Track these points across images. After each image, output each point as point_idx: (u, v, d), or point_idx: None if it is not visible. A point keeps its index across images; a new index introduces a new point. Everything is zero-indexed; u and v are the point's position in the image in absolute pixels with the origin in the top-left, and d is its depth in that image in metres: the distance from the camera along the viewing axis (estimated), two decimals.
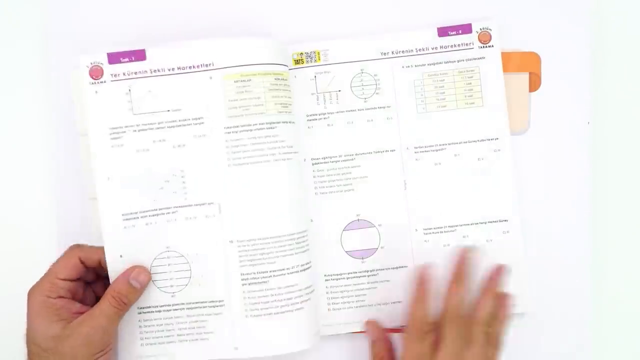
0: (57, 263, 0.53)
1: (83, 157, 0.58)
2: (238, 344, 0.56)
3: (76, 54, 0.56)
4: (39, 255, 0.56)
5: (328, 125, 0.59)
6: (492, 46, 0.59)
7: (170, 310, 0.56)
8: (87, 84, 0.56)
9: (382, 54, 0.59)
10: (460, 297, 0.52)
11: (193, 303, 0.56)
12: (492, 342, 0.53)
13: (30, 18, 0.61)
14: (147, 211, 0.56)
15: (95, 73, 0.56)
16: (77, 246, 0.55)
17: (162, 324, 0.56)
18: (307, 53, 0.59)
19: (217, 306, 0.56)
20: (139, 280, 0.54)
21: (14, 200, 0.61)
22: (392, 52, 0.59)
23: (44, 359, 0.50)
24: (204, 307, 0.56)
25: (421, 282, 0.53)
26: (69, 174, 0.59)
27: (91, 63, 0.56)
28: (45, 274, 0.53)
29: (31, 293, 0.52)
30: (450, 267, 0.54)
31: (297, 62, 0.59)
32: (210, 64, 0.55)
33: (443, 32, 0.59)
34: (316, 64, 0.59)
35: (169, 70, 0.56)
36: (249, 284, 0.55)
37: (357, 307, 0.59)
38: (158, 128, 0.56)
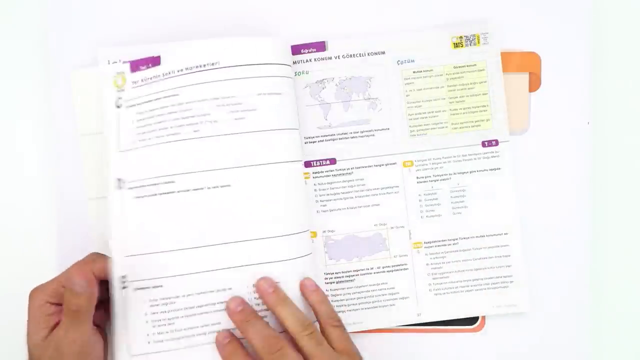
0: (69, 270, 0.52)
1: (84, 158, 0.58)
2: None
3: (82, 53, 0.58)
4: (39, 256, 0.57)
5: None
6: (491, 47, 0.59)
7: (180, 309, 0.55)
8: (113, 92, 0.56)
9: (380, 53, 0.59)
10: (292, 314, 0.52)
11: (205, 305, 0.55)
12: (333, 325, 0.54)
13: (30, 18, 0.61)
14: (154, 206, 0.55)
15: (119, 81, 0.56)
16: (94, 259, 0.53)
17: (172, 321, 0.55)
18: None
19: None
20: (78, 285, 0.50)
21: (13, 201, 0.61)
22: (391, 53, 0.59)
23: None
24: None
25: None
26: (69, 174, 0.59)
27: (117, 73, 0.56)
28: (54, 278, 0.52)
29: (33, 293, 0.51)
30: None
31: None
32: (216, 63, 0.55)
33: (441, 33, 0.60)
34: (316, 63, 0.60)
35: (178, 71, 0.55)
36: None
37: (357, 308, 0.60)
38: (162, 128, 0.55)
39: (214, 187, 0.54)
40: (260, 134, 0.55)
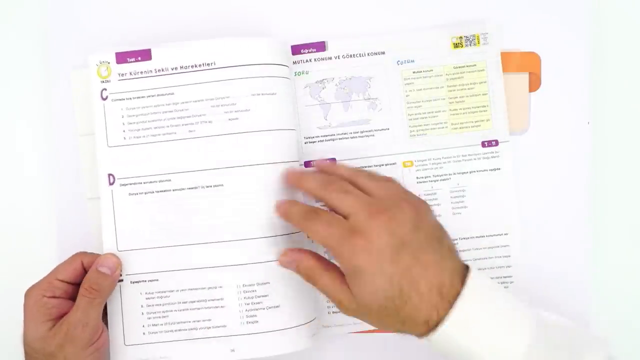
0: (60, 265, 0.53)
1: (83, 157, 0.58)
2: (235, 346, 0.55)
3: (82, 53, 0.57)
4: (39, 255, 0.57)
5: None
6: (491, 47, 0.59)
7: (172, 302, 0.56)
8: (97, 82, 0.56)
9: (380, 54, 0.59)
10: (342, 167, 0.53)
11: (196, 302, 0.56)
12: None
13: (30, 18, 0.61)
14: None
15: (103, 71, 0.56)
16: (82, 253, 0.55)
17: (167, 314, 0.56)
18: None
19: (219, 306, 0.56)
20: (107, 266, 0.53)
21: (13, 200, 0.61)
22: (391, 53, 0.59)
23: None
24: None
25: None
26: (69, 174, 0.59)
27: (100, 62, 0.56)
28: (46, 275, 0.53)
29: (28, 292, 0.52)
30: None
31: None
32: (212, 63, 0.56)
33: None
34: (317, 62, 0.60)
35: (172, 69, 0.56)
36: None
37: None
38: (158, 127, 0.56)
39: (208, 187, 0.55)
40: (253, 135, 0.55)
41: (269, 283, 0.55)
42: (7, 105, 0.61)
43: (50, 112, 0.60)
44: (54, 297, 0.52)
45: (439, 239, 0.48)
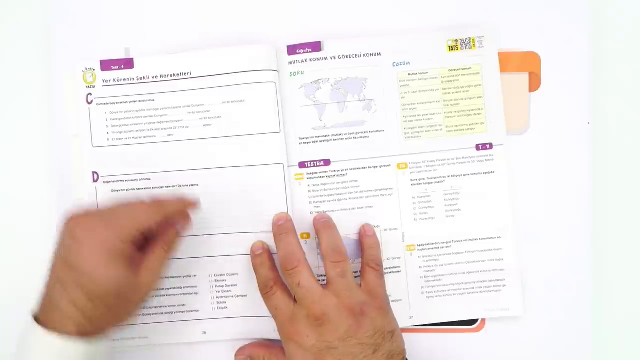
0: (141, 216, 0.50)
1: (73, 158, 0.60)
2: (206, 329, 0.60)
3: (76, 58, 0.59)
4: (36, 255, 0.58)
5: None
6: (486, 50, 0.59)
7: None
8: (83, 87, 0.60)
9: (376, 55, 0.59)
10: (330, 240, 0.56)
11: (172, 288, 0.60)
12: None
13: (31, 20, 0.62)
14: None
15: (89, 77, 0.60)
16: (160, 203, 0.52)
17: None
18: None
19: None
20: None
21: (12, 200, 0.62)
22: (387, 54, 0.59)
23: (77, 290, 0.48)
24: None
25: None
26: (65, 174, 0.60)
27: (86, 68, 0.60)
28: (118, 220, 0.49)
29: (100, 235, 0.48)
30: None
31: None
32: (188, 73, 0.59)
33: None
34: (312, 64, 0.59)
35: (153, 77, 0.59)
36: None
37: None
38: (139, 130, 0.59)
39: (184, 186, 0.59)
40: (225, 139, 0.59)
41: (237, 274, 0.59)
42: (6, 106, 0.62)
43: (48, 113, 0.61)
44: (128, 244, 0.49)
45: (374, 347, 0.51)
